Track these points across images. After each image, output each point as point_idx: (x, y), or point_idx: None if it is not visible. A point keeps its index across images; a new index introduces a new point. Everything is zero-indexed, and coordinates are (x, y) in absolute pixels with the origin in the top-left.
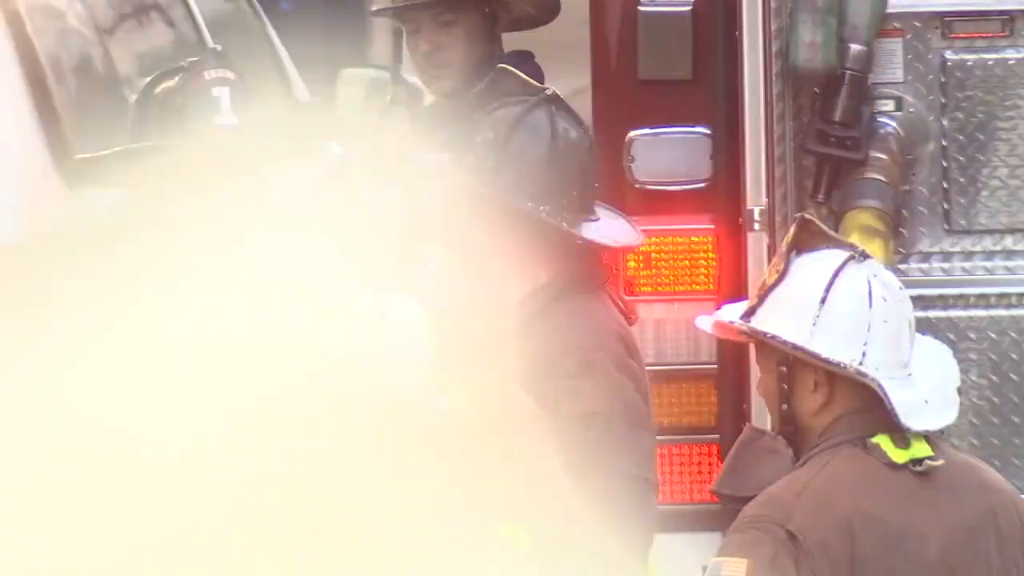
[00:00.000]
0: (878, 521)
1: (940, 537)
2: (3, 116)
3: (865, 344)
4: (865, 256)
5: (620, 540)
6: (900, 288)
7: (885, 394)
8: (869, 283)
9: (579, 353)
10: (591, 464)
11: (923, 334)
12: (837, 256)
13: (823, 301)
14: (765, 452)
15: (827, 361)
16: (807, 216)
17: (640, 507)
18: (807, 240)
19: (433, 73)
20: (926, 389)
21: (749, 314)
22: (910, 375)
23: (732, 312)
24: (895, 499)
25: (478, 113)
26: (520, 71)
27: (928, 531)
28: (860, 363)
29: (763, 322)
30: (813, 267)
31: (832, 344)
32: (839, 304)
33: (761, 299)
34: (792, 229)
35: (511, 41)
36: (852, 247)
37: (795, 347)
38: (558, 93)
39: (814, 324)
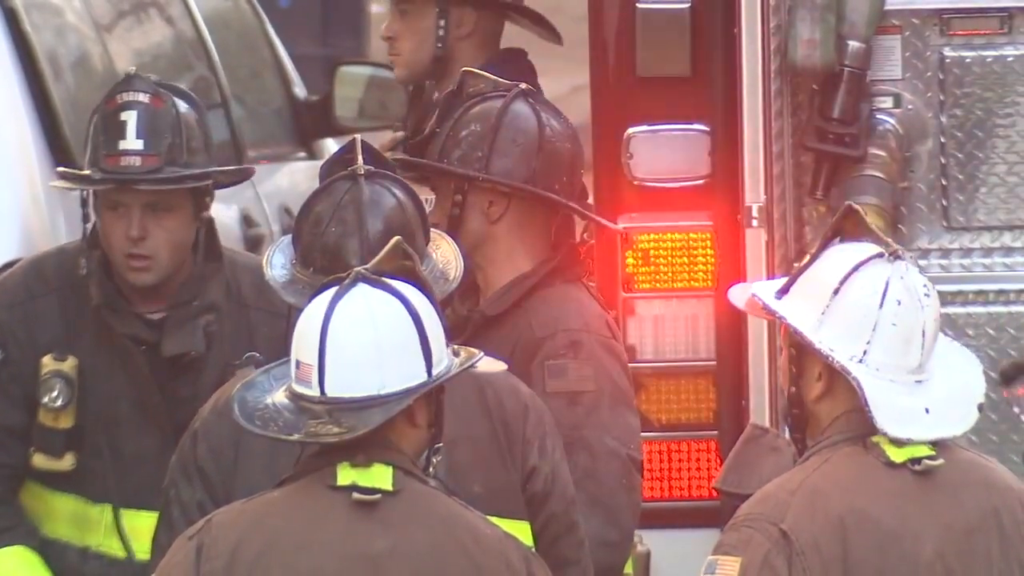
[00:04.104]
0: (872, 520)
1: (937, 537)
2: (2, 115)
3: (868, 343)
4: (897, 256)
5: (607, 516)
6: (927, 295)
7: (863, 394)
8: (888, 283)
9: (565, 334)
10: (578, 441)
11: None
12: (867, 250)
13: (836, 292)
14: (768, 449)
15: (818, 351)
16: (854, 206)
17: (628, 485)
18: (850, 229)
19: (391, 60)
20: (934, 398)
21: (783, 292)
22: (919, 382)
23: (767, 288)
24: (891, 498)
25: (455, 112)
26: (513, 68)
27: (924, 531)
28: (860, 360)
29: (785, 302)
30: (840, 256)
31: (835, 336)
32: (850, 298)
33: (793, 279)
34: (837, 215)
35: (507, 37)
36: (888, 244)
37: (796, 331)
38: (531, 88)
39: (823, 313)
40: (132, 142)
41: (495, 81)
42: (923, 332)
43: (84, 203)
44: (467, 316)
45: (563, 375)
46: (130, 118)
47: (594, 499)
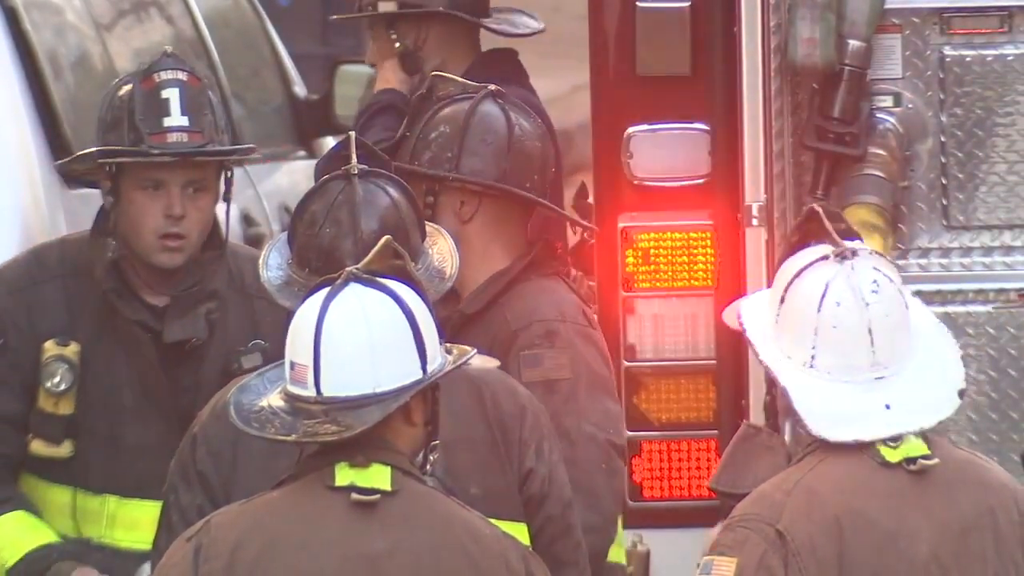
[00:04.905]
0: (867, 520)
1: (932, 536)
2: (2, 115)
3: (814, 347)
4: (843, 257)
5: (587, 500)
6: (875, 292)
7: (790, 401)
8: (827, 285)
9: (540, 324)
10: (557, 428)
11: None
12: (813, 254)
13: (782, 300)
14: (762, 449)
15: (761, 361)
16: (815, 207)
17: (608, 469)
18: (814, 232)
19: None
20: (897, 392)
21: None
22: (880, 379)
23: (751, 300)
24: (886, 498)
25: (424, 115)
26: (501, 69)
27: (919, 530)
28: (811, 365)
29: (749, 312)
30: (792, 262)
31: (789, 343)
32: (794, 304)
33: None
34: (799, 219)
35: (502, 38)
36: (837, 244)
37: (750, 342)
38: (500, 89)
39: (775, 322)
40: (177, 119)
41: (463, 84)
42: (869, 330)
43: (110, 187)
44: (447, 316)
45: (538, 364)
46: (172, 95)
47: (574, 484)
